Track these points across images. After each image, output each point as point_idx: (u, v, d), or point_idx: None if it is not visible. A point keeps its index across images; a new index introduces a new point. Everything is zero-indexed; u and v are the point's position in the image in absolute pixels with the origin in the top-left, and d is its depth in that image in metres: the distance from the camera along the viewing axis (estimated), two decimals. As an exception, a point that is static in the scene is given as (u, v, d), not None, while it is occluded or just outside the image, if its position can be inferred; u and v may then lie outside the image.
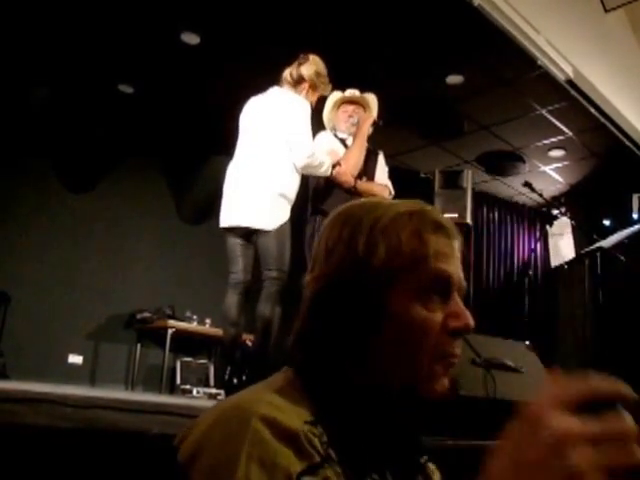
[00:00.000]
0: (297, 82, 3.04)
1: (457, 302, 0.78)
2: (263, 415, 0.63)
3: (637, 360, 5.94)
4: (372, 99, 3.54)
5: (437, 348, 0.75)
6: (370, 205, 0.81)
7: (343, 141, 3.44)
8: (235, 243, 2.93)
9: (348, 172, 3.26)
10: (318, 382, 0.73)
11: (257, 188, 2.84)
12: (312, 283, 0.78)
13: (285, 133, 2.88)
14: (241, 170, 2.94)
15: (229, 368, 2.80)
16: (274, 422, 0.63)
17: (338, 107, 3.54)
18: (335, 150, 3.31)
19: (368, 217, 0.77)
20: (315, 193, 3.41)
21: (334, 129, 3.56)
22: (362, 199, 0.87)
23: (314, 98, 3.12)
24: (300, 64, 3.04)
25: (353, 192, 3.27)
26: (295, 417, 0.66)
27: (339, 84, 3.53)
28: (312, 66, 3.04)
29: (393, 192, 3.52)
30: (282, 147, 2.88)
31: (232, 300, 2.89)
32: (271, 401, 0.67)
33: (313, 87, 3.07)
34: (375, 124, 3.42)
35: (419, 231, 0.76)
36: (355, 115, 3.47)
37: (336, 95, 3.54)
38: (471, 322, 0.77)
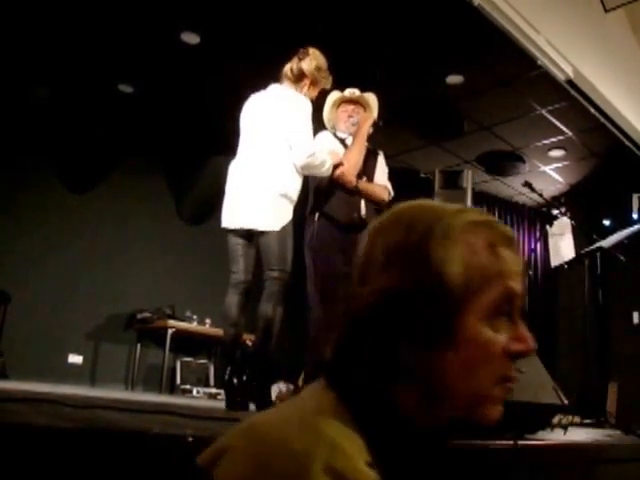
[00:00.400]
0: (298, 78, 3.00)
1: (522, 325, 0.72)
2: (328, 465, 0.55)
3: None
4: (372, 99, 3.53)
5: (498, 371, 0.70)
6: (436, 210, 0.73)
7: (343, 141, 3.43)
8: (237, 243, 2.91)
9: (349, 172, 3.26)
10: (371, 414, 0.66)
11: (258, 188, 2.82)
12: (369, 295, 0.69)
13: (285, 132, 2.85)
14: (242, 170, 2.93)
15: (229, 368, 2.79)
16: (342, 475, 0.55)
17: (338, 106, 3.53)
18: (335, 150, 3.30)
19: (439, 224, 0.69)
20: (315, 194, 3.40)
21: (334, 128, 3.55)
22: (419, 202, 0.77)
23: (315, 93, 3.08)
24: (300, 59, 3.00)
25: (355, 192, 3.26)
26: (361, 462, 0.58)
27: (339, 84, 3.52)
28: (313, 61, 3.01)
29: (392, 194, 3.52)
30: (283, 146, 2.85)
31: (232, 300, 2.87)
32: (332, 443, 0.58)
33: (314, 82, 3.03)
34: (375, 124, 3.41)
35: (494, 245, 0.71)
36: (355, 115, 3.46)
37: (335, 95, 3.53)
38: (534, 346, 0.72)
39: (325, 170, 3.00)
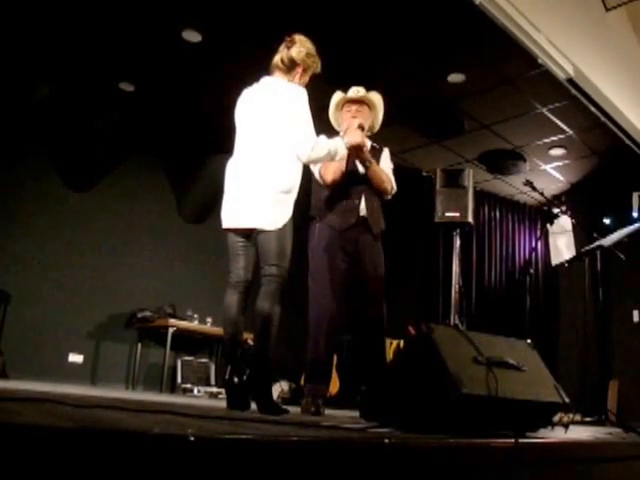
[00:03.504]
0: (290, 67, 2.93)
1: None
2: None
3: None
4: (377, 98, 3.51)
5: None
6: None
7: None
8: (236, 241, 2.89)
9: (325, 177, 3.30)
10: None
11: (258, 187, 2.77)
12: None
13: (285, 126, 2.80)
14: (240, 168, 2.89)
15: (229, 367, 2.78)
16: None
17: (342, 107, 3.52)
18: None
19: None
20: (315, 198, 3.42)
21: (340, 126, 3.56)
22: None
23: (307, 79, 3.01)
24: (288, 47, 2.96)
25: (367, 166, 3.31)
26: None
27: (341, 83, 3.52)
28: (301, 48, 2.95)
29: (396, 189, 3.52)
30: (280, 141, 2.80)
31: (232, 299, 2.85)
32: None
33: (306, 69, 2.95)
34: (356, 147, 3.25)
35: None
36: (358, 115, 3.44)
37: (338, 95, 3.52)
38: None
39: (339, 157, 2.94)
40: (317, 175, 3.38)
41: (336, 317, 3.25)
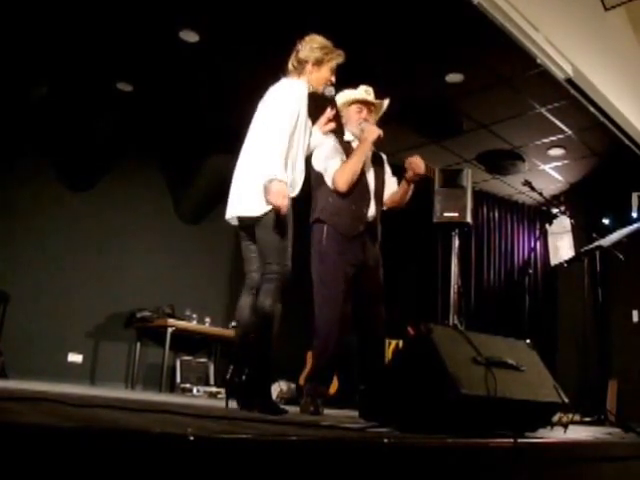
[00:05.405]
0: (299, 68, 2.91)
1: None
2: None
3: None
4: (385, 106, 3.55)
5: None
6: None
7: (349, 144, 3.43)
8: (247, 244, 2.86)
9: (340, 183, 3.26)
10: None
11: (247, 177, 2.75)
12: None
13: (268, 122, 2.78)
14: (239, 164, 2.90)
15: (231, 367, 2.77)
16: None
17: (350, 103, 3.51)
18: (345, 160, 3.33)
19: None
20: (319, 203, 3.39)
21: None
22: None
23: (326, 73, 2.96)
24: (298, 51, 2.95)
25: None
26: None
27: (339, 82, 3.51)
28: (308, 44, 2.91)
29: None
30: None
31: (245, 302, 2.81)
32: None
33: (318, 63, 2.92)
34: (380, 140, 3.33)
35: None
36: (370, 119, 3.46)
37: (352, 93, 3.49)
38: None
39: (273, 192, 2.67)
40: (328, 180, 3.34)
41: (345, 321, 3.25)
